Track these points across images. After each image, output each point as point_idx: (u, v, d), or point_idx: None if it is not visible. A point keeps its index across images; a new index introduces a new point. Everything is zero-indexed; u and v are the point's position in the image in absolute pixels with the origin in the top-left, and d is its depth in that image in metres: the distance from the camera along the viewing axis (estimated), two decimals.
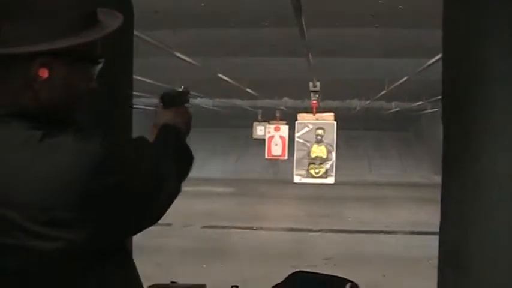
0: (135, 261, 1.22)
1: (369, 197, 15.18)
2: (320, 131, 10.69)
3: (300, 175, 10.63)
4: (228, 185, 16.97)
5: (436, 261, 6.10)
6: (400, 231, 10.25)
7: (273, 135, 15.44)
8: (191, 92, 1.65)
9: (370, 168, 21.27)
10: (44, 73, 1.07)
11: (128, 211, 1.10)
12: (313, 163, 10.56)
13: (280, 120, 15.81)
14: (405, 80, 9.25)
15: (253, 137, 17.33)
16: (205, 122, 17.33)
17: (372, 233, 10.08)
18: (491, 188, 1.51)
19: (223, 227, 10.17)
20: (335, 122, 10.62)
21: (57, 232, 1.01)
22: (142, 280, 1.22)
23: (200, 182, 13.04)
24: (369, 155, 21.70)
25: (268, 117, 16.12)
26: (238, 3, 5.09)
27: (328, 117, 10.84)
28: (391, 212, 12.47)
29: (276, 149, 15.19)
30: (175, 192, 1.25)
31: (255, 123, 17.26)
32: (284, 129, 15.30)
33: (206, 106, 16.89)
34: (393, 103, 16.45)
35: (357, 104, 16.43)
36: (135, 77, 2.43)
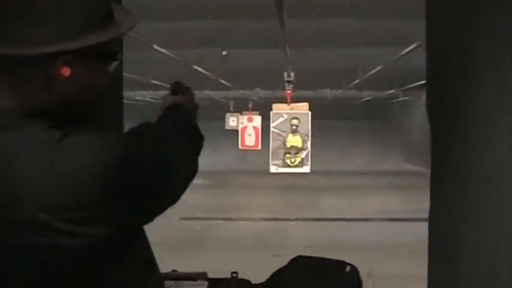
0: None
1: (343, 185, 15.39)
2: (295, 121, 10.76)
3: (275, 165, 10.69)
4: (204, 177, 16.96)
5: (411, 248, 6.28)
6: (374, 218, 10.46)
7: (246, 126, 15.46)
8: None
9: (343, 157, 21.51)
10: (66, 71, 1.08)
11: (149, 200, 1.13)
12: (289, 153, 10.63)
13: (253, 110, 15.86)
14: (378, 70, 9.39)
15: (226, 128, 17.33)
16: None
17: (348, 220, 10.27)
18: (480, 176, 1.58)
19: (202, 219, 10.23)
20: (310, 112, 10.71)
21: (83, 229, 1.03)
22: None
23: None
24: (341, 144, 21.93)
25: (241, 108, 16.16)
26: None
27: (303, 107, 10.91)
28: (364, 200, 12.69)
29: (250, 139, 15.22)
30: (193, 171, 1.28)
31: (227, 114, 17.28)
32: (257, 119, 15.34)
33: None
34: (365, 92, 16.64)
35: (329, 93, 16.60)
36: None
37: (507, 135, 1.31)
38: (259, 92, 16.96)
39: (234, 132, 16.41)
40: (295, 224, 10.06)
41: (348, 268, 1.88)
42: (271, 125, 10.91)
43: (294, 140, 10.74)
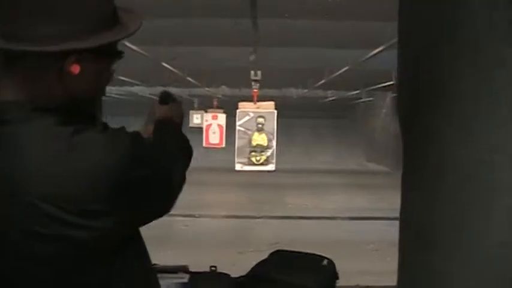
0: None
1: (308, 183, 15.55)
2: (261, 120, 10.88)
3: (241, 163, 10.79)
4: None
5: (376, 245, 6.42)
6: (339, 216, 10.61)
7: (211, 124, 15.46)
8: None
9: (307, 155, 21.73)
10: (76, 69, 1.12)
11: (150, 200, 1.19)
12: (254, 151, 10.75)
13: (218, 108, 15.87)
14: (344, 70, 9.53)
15: (190, 125, 17.27)
16: (141, 111, 17.14)
17: (313, 219, 10.39)
18: (452, 172, 1.63)
19: (166, 216, 10.21)
20: (275, 111, 10.83)
21: (90, 222, 1.08)
22: None
23: None
24: (306, 142, 22.12)
25: (205, 105, 16.15)
26: None
27: (269, 106, 11.04)
28: (329, 198, 12.85)
29: (214, 137, 15.23)
30: (183, 181, 1.35)
31: (191, 112, 17.21)
32: (222, 117, 15.35)
33: (143, 94, 16.74)
34: (330, 92, 16.82)
35: (294, 92, 16.73)
36: None
37: (482, 133, 1.35)
38: (224, 90, 17.01)
39: (198, 129, 16.40)
40: (260, 221, 10.14)
41: (325, 261, 1.96)
42: (237, 123, 11.00)
43: (259, 139, 10.85)
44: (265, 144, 10.78)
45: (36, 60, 1.12)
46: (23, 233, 1.08)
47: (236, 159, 10.74)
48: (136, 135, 1.22)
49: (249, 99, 11.45)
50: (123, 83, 11.39)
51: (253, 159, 10.70)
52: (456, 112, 1.64)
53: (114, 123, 1.25)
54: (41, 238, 1.07)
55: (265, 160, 10.74)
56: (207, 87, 15.52)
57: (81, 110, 1.17)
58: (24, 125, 1.10)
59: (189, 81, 12.52)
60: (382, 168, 19.36)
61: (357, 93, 16.31)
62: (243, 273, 1.96)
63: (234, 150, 10.74)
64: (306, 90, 15.47)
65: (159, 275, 1.41)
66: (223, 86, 16.69)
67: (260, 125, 10.85)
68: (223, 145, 14.71)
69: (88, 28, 1.13)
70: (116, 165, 1.10)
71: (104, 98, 1.34)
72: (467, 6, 1.46)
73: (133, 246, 1.22)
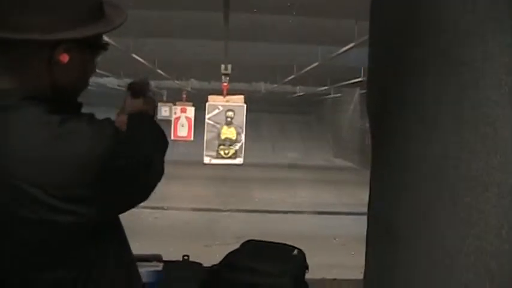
0: None
1: (274, 178, 15.65)
2: (230, 113, 10.89)
3: (209, 156, 10.80)
4: None
5: (342, 240, 6.51)
6: (306, 211, 10.72)
7: (179, 116, 15.36)
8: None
9: (274, 150, 21.81)
10: (65, 58, 1.16)
11: (130, 188, 1.24)
12: (223, 144, 10.76)
13: (187, 101, 15.83)
14: (313, 66, 9.63)
15: (158, 117, 17.21)
16: (109, 102, 17.04)
17: (280, 213, 10.48)
18: (418, 168, 1.66)
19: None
20: (245, 105, 10.86)
21: (72, 207, 1.11)
22: None
23: None
24: (273, 137, 22.22)
25: (173, 98, 16.10)
26: None
27: (238, 100, 11.06)
28: (296, 193, 12.95)
29: (182, 130, 15.16)
30: (161, 170, 1.38)
31: (160, 104, 17.10)
32: (190, 110, 15.27)
33: (111, 86, 16.63)
34: (298, 87, 16.96)
35: (263, 87, 16.82)
36: None
37: (446, 131, 1.41)
38: (193, 83, 17.01)
39: (167, 122, 16.33)
40: (227, 215, 10.19)
41: (295, 251, 2.03)
42: (207, 116, 11.00)
43: (228, 132, 10.87)
44: (234, 137, 10.81)
45: (26, 49, 1.15)
46: (9, 217, 1.11)
47: (205, 152, 10.75)
48: (116, 126, 1.24)
49: (218, 92, 11.46)
50: None
51: (222, 152, 10.72)
52: (423, 110, 1.68)
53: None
54: (28, 222, 1.10)
55: (234, 154, 10.77)
56: (177, 79, 15.51)
57: (68, 99, 1.21)
58: (14, 112, 1.13)
59: (159, 73, 12.49)
60: (349, 164, 19.58)
61: (326, 89, 16.47)
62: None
63: (203, 143, 10.75)
64: (275, 85, 15.58)
65: None
66: (192, 79, 16.70)
67: (229, 119, 10.87)
68: (192, 138, 14.68)
69: (77, 19, 1.17)
70: (101, 153, 1.13)
71: None
72: (438, 8, 1.50)
73: (114, 235, 1.27)
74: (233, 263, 1.98)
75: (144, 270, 2.03)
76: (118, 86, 16.67)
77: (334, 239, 8.00)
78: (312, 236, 8.41)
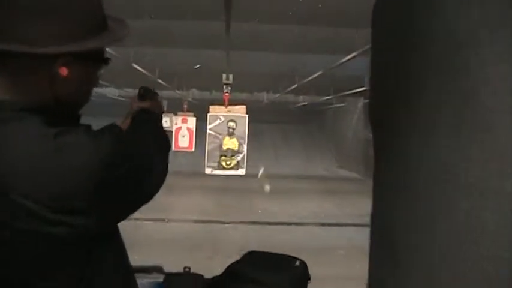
0: None
1: (277, 189, 15.65)
2: (232, 124, 10.88)
3: (211, 167, 10.79)
4: None
5: (345, 251, 6.52)
6: (309, 222, 10.72)
7: (180, 127, 15.39)
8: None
9: (277, 160, 21.83)
10: (64, 71, 1.17)
11: (129, 196, 1.25)
12: (225, 155, 10.75)
13: (188, 111, 15.86)
14: (316, 76, 9.65)
15: None
16: (109, 112, 17.11)
17: (283, 224, 10.48)
18: (418, 175, 1.69)
19: (134, 219, 10.19)
20: (247, 116, 10.86)
21: (70, 219, 1.12)
22: None
23: None
24: (275, 147, 22.24)
25: (174, 108, 16.13)
26: None
27: (240, 110, 11.05)
28: (298, 204, 12.95)
29: (183, 140, 15.16)
30: (163, 172, 1.39)
31: None
32: (191, 121, 15.29)
33: (111, 96, 16.68)
34: (301, 97, 16.98)
35: (266, 96, 16.85)
36: None
37: (444, 137, 1.45)
38: (194, 93, 17.05)
39: (168, 133, 16.40)
40: (229, 226, 10.19)
41: (297, 262, 2.04)
42: (208, 127, 11.00)
43: (230, 143, 10.87)
44: (236, 148, 10.81)
45: (27, 61, 1.16)
46: (5, 228, 1.11)
47: (206, 163, 10.74)
48: (117, 133, 1.26)
49: (220, 102, 11.48)
50: None
51: (223, 163, 10.72)
52: (422, 117, 1.73)
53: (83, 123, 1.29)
54: (24, 234, 1.10)
55: (236, 164, 10.77)
56: (177, 89, 15.55)
57: (67, 112, 1.23)
58: (12, 124, 1.14)
59: (159, 83, 12.54)
60: (353, 175, 19.59)
61: (329, 99, 16.48)
62: None
63: (204, 154, 10.76)
64: (277, 95, 15.61)
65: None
66: (193, 89, 16.75)
67: (231, 129, 10.87)
68: (193, 149, 14.72)
69: (78, 32, 1.18)
70: (98, 166, 1.14)
71: None
72: (433, 16, 1.55)
73: (112, 244, 1.28)
74: (235, 274, 1.99)
75: (145, 281, 2.04)
76: (119, 96, 16.74)
77: (338, 251, 8.00)
78: (315, 248, 8.41)
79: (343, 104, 18.97)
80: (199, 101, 16.40)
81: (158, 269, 2.16)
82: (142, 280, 2.09)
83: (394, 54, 1.91)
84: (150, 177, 1.31)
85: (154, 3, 5.50)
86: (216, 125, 11.78)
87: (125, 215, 1.27)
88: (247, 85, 13.56)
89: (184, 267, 2.28)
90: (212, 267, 2.50)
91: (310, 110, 20.23)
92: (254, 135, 17.39)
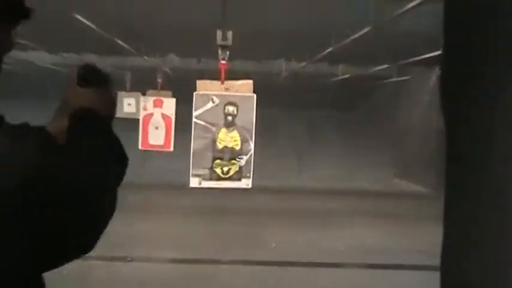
0: None
1: (300, 210, 15.66)
2: (231, 109, 10.86)
3: (198, 176, 10.76)
4: None
5: None
6: (347, 263, 10.71)
7: (152, 113, 15.41)
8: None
9: (299, 167, 21.82)
10: None
11: (59, 238, 1.31)
12: (221, 158, 10.73)
13: (163, 89, 15.82)
14: (364, 32, 9.61)
15: (119, 115, 17.22)
16: (39, 90, 17.12)
17: (308, 266, 10.48)
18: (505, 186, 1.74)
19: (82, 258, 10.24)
20: (255, 96, 10.86)
21: None
22: None
23: None
24: (298, 147, 22.22)
25: (141, 84, 16.11)
26: None
27: (245, 87, 11.03)
28: (332, 234, 12.96)
29: (157, 135, 15.17)
30: (113, 206, 1.47)
31: (121, 94, 17.14)
32: (169, 103, 15.29)
33: (41, 64, 16.75)
34: (340, 67, 16.96)
35: (284, 67, 16.84)
36: None
37: None
38: (174, 61, 17.07)
39: (131, 122, 16.34)
40: (227, 268, 10.20)
41: None
42: (194, 113, 11.02)
43: (228, 139, 10.88)
44: (238, 147, 10.80)
45: None
46: None
47: (191, 170, 10.75)
48: (43, 142, 1.31)
49: (212, 76, 11.49)
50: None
51: (219, 170, 10.71)
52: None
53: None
54: None
55: (237, 172, 10.77)
56: (147, 55, 15.59)
57: None
58: None
59: (119, 44, 12.56)
60: (417, 189, 19.53)
61: (384, 70, 16.44)
62: None
63: (189, 156, 10.77)
64: (302, 64, 15.58)
65: None
66: (171, 55, 16.77)
67: (230, 117, 10.88)
68: (172, 148, 14.72)
69: None
70: (10, 182, 1.19)
71: None
72: None
73: None
74: None
75: None
76: (52, 64, 16.77)
77: None
78: None
79: (406, 78, 18.92)
80: (180, 73, 16.40)
81: None
82: None
83: (469, 48, 1.91)
84: (90, 214, 1.36)
85: None
86: (206, 111, 11.67)
87: (50, 265, 1.33)
88: (254, 49, 13.53)
89: None
90: None
91: (356, 87, 20.18)
92: (266, 127, 17.35)
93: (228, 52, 10.38)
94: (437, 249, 1.83)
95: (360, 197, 18.36)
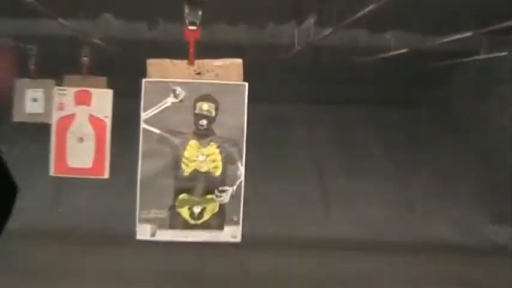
0: None
1: (327, 276, 15.71)
2: (207, 106, 10.93)
3: (150, 221, 10.79)
4: None
5: None
6: None
7: (73, 115, 15.60)
8: None
9: (325, 203, 21.82)
10: None
11: None
12: (189, 190, 10.80)
13: (92, 75, 15.93)
14: None
15: (15, 120, 17.35)
16: None
17: None
18: None
19: None
20: (246, 84, 10.94)
21: None
22: None
23: None
24: (322, 169, 22.30)
25: (56, 64, 16.22)
26: None
27: (229, 70, 11.11)
28: None
29: (81, 151, 15.33)
30: None
31: (21, 83, 17.34)
32: (102, 99, 15.42)
33: None
34: (389, 34, 17.07)
35: (294, 35, 16.93)
36: None
37: None
38: (110, 25, 17.25)
39: (38, 130, 16.41)
40: None
41: None
42: (143, 114, 11.09)
43: (201, 158, 10.94)
44: (218, 172, 10.83)
45: None
46: None
47: (139, 211, 10.81)
48: None
49: (175, 51, 11.57)
50: None
51: (185, 211, 10.74)
52: None
53: None
54: None
55: (217, 215, 10.81)
56: (64, 16, 15.68)
57: None
58: None
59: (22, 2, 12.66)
60: None
61: (465, 41, 16.54)
62: None
63: (134, 186, 10.83)
64: (326, 32, 15.63)
65: None
66: (106, 14, 16.93)
67: (205, 122, 10.93)
68: (106, 174, 14.86)
69: None
70: None
71: None
72: None
73: None
74: None
75: None
76: None
77: None
78: None
79: (500, 54, 19.00)
80: (122, 47, 16.55)
81: None
82: None
83: None
84: None
85: None
86: (164, 110, 11.60)
87: None
88: (246, 5, 13.63)
89: None
90: None
91: (414, 70, 20.20)
92: (266, 137, 17.41)
93: (200, 11, 10.44)
94: None
95: (433, 254, 18.37)
